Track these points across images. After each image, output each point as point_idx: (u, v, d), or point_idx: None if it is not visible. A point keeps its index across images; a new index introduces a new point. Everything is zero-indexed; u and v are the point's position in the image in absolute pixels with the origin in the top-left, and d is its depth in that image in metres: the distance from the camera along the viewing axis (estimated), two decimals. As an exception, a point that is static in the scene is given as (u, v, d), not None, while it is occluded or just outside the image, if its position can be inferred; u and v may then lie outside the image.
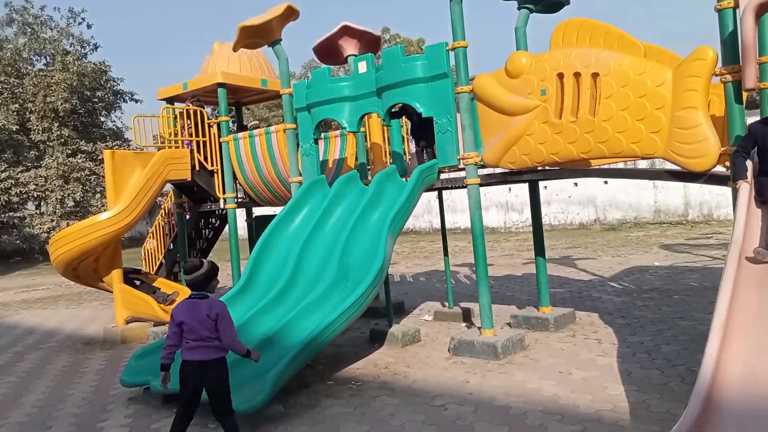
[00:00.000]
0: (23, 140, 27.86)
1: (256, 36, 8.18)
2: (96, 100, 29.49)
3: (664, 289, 9.60)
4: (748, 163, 4.70)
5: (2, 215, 25.45)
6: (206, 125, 10.13)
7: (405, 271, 15.11)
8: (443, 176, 7.54)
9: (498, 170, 7.18)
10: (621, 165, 7.30)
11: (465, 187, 7.05)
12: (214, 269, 4.29)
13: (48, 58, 30.08)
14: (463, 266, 14.81)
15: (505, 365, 6.17)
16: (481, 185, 7.00)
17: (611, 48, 6.10)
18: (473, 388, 5.55)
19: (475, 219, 6.92)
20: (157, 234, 11.81)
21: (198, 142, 10.09)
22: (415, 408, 5.16)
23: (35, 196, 26.63)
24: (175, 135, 10.09)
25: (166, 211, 11.77)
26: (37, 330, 10.71)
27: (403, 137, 9.64)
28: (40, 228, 25.87)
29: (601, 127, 5.92)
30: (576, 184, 23.08)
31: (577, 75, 6.08)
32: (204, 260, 4.29)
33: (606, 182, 22.06)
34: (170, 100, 10.66)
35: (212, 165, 10.17)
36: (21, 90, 27.41)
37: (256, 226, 10.43)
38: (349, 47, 8.43)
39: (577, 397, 5.05)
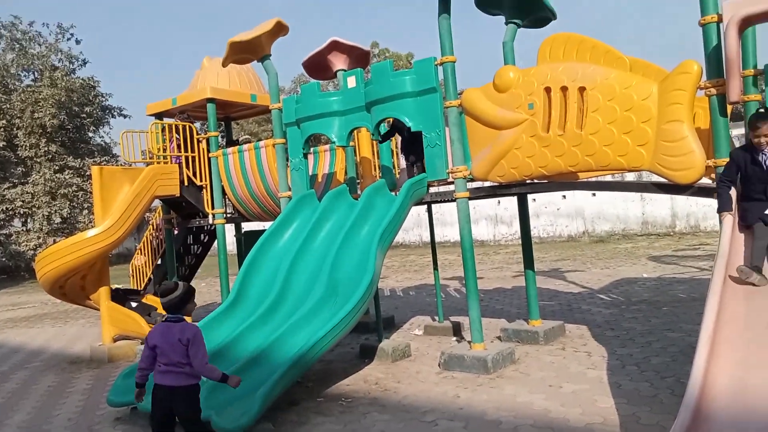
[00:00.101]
0: (10, 156, 27.66)
1: (246, 51, 8.20)
2: (84, 115, 29.37)
3: (652, 301, 9.63)
4: (732, 193, 4.75)
5: (-12, 232, 25.23)
6: (195, 140, 10.11)
7: (395, 285, 15.08)
8: (432, 190, 7.55)
9: (487, 183, 7.21)
10: (609, 177, 7.36)
11: (454, 200, 7.06)
12: (189, 291, 4.20)
13: (36, 73, 29.95)
14: (453, 280, 14.81)
15: (495, 379, 6.16)
16: (470, 199, 7.02)
17: (597, 62, 6.17)
18: (464, 403, 5.52)
19: (464, 232, 6.92)
20: (145, 250, 11.73)
21: (187, 158, 10.06)
22: (405, 424, 5.12)
23: (22, 212, 26.40)
24: (164, 150, 10.06)
25: (155, 226, 11.70)
26: (23, 349, 10.57)
27: (392, 151, 9.66)
28: (27, 245, 25.62)
29: (588, 141, 5.96)
30: (564, 196, 23.21)
31: (564, 89, 6.13)
32: (179, 282, 4.22)
33: (594, 195, 22.21)
34: (159, 116, 10.63)
35: (201, 180, 10.13)
36: (8, 106, 27.24)
37: (246, 241, 10.39)
38: (339, 62, 8.47)
39: (567, 411, 5.03)
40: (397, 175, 9.46)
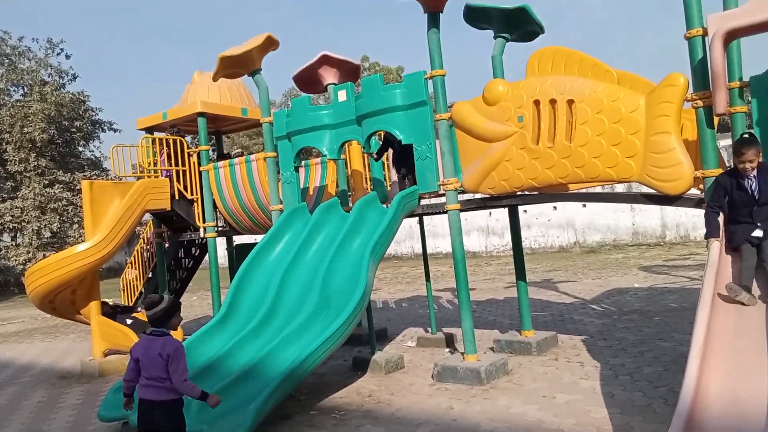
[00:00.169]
0: (-1, 171, 27.56)
1: (236, 66, 8.23)
2: (74, 130, 29.31)
3: (644, 311, 9.68)
4: (721, 218, 4.80)
5: (-23, 247, 25.02)
6: (186, 154, 10.10)
7: (387, 297, 15.06)
8: (424, 202, 7.58)
9: (478, 195, 7.24)
10: (599, 189, 7.42)
11: (445, 212, 7.09)
12: (175, 305, 4.16)
13: (26, 88, 29.89)
14: (446, 291, 14.81)
15: (488, 390, 6.16)
16: (461, 210, 7.05)
17: (585, 75, 6.24)
18: (457, 414, 5.52)
19: (456, 244, 6.95)
20: (136, 263, 11.67)
21: (177, 171, 10.05)
22: (399, 436, 5.11)
23: (11, 227, 26.24)
24: (155, 164, 10.04)
25: (146, 240, 11.66)
26: (12, 364, 10.46)
27: (383, 164, 9.70)
28: (16, 260, 25.43)
29: (577, 153, 6.02)
30: (555, 207, 23.32)
31: (552, 102, 6.19)
32: (165, 296, 4.19)
33: (584, 206, 22.32)
34: (150, 130, 10.63)
35: (192, 194, 10.12)
36: (-2, 121, 27.18)
37: (237, 254, 10.37)
38: (329, 76, 8.51)
39: (561, 422, 5.04)
40: (389, 188, 9.49)
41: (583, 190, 7.08)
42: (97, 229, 8.90)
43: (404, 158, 7.79)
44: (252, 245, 7.98)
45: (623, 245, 22.16)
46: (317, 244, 7.37)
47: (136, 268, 11.62)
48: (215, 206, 9.99)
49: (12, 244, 27.08)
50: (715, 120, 5.54)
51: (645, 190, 5.92)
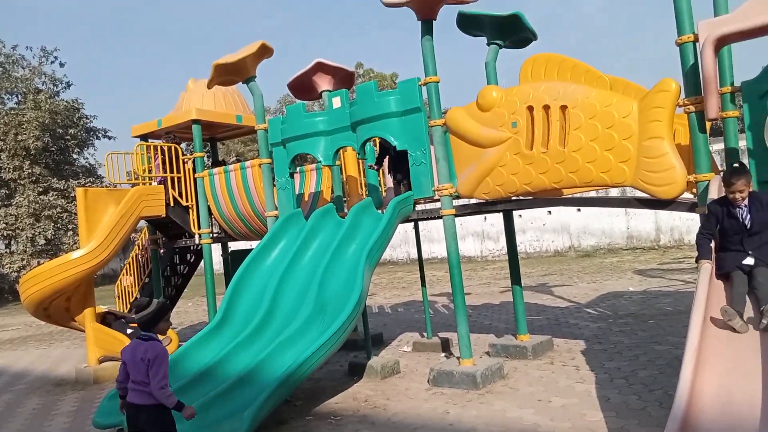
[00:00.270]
0: (-7, 179, 27.48)
1: (231, 73, 8.25)
2: (68, 137, 29.26)
3: (639, 314, 9.71)
4: (712, 244, 4.79)
5: (-29, 255, 24.93)
6: (181, 161, 10.10)
7: (383, 302, 15.07)
8: (419, 207, 7.61)
9: (473, 200, 7.27)
10: (593, 193, 7.45)
11: (440, 217, 7.12)
12: (163, 309, 4.12)
13: (20, 96, 29.85)
14: (441, 296, 14.83)
15: (484, 395, 6.17)
16: (456, 216, 7.08)
17: (578, 81, 6.29)
18: (453, 419, 5.53)
19: (451, 249, 6.97)
20: (131, 269, 11.65)
21: (172, 178, 10.06)
22: (395, 442, 5.12)
23: (5, 234, 26.15)
24: (149, 171, 10.05)
25: (141, 246, 11.65)
26: (7, 371, 10.42)
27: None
28: (10, 267, 25.34)
29: (571, 158, 6.06)
30: (550, 212, 23.38)
31: (546, 108, 6.24)
32: (154, 299, 4.16)
33: (579, 210, 22.38)
34: (144, 137, 10.64)
35: (187, 201, 10.12)
36: (-8, 129, 27.12)
37: (232, 260, 10.36)
38: (324, 83, 8.55)
39: (556, 425, 5.06)
40: (384, 194, 9.51)
41: (578, 195, 7.12)
42: (92, 236, 8.90)
43: (399, 164, 7.82)
44: (247, 251, 7.99)
45: (618, 249, 22.23)
46: (313, 250, 7.38)
47: (131, 275, 11.61)
48: (210, 213, 9.99)
49: (6, 252, 26.99)
50: (708, 125, 5.59)
51: (639, 194, 5.96)
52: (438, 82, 6.97)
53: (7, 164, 26.98)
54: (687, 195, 5.79)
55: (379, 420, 5.73)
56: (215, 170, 9.81)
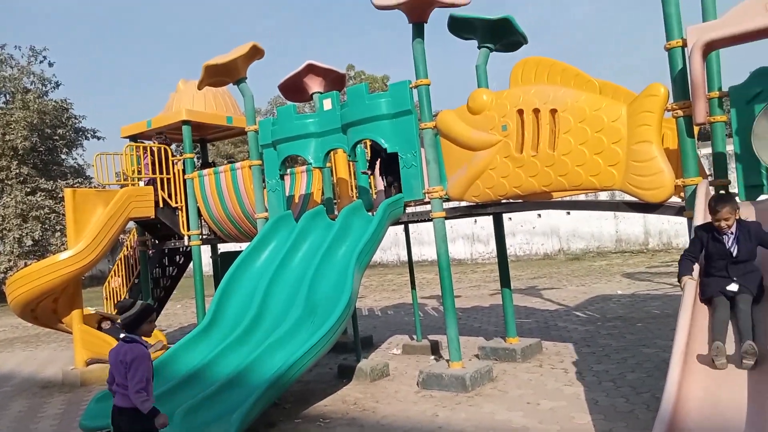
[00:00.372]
0: (-20, 179, 27.20)
1: (221, 74, 8.23)
2: (57, 137, 29.03)
3: (627, 317, 9.77)
4: (696, 266, 4.76)
5: (-44, 256, 24.67)
6: (170, 162, 10.06)
7: (373, 305, 15.06)
8: (409, 210, 7.62)
9: (463, 203, 7.29)
10: (582, 197, 7.49)
11: (431, 220, 7.13)
12: (146, 310, 4.04)
13: (8, 96, 29.58)
14: (431, 298, 14.83)
15: (473, 397, 6.18)
16: (446, 218, 7.09)
17: (568, 85, 6.33)
18: (442, 421, 5.53)
19: (441, 252, 6.98)
20: (120, 271, 11.58)
21: (162, 179, 10.01)
22: (384, 444, 5.11)
23: (-8, 235, 25.90)
24: (139, 172, 9.99)
25: (129, 247, 11.58)
26: (-7, 375, 10.33)
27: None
28: (-4, 268, 25.08)
29: (560, 161, 6.09)
30: (539, 215, 23.47)
31: (536, 111, 6.27)
32: (138, 301, 4.09)
33: (569, 213, 22.49)
34: (134, 138, 10.58)
35: (176, 202, 10.08)
36: (-21, 128, 26.86)
37: (222, 262, 10.33)
38: (314, 85, 8.54)
39: (545, 428, 5.07)
40: (374, 196, 9.51)
41: (567, 198, 7.16)
42: (80, 237, 8.84)
43: (390, 166, 7.83)
44: (237, 253, 7.96)
45: (607, 252, 22.34)
46: (303, 252, 7.37)
47: (119, 276, 11.53)
48: (200, 214, 9.95)
49: (-7, 252, 26.73)
50: (696, 129, 5.64)
51: (627, 198, 6.00)
52: (429, 85, 6.98)
53: (-6, 164, 26.75)
54: (675, 199, 5.83)
55: (368, 423, 5.73)
56: (205, 171, 9.77)
